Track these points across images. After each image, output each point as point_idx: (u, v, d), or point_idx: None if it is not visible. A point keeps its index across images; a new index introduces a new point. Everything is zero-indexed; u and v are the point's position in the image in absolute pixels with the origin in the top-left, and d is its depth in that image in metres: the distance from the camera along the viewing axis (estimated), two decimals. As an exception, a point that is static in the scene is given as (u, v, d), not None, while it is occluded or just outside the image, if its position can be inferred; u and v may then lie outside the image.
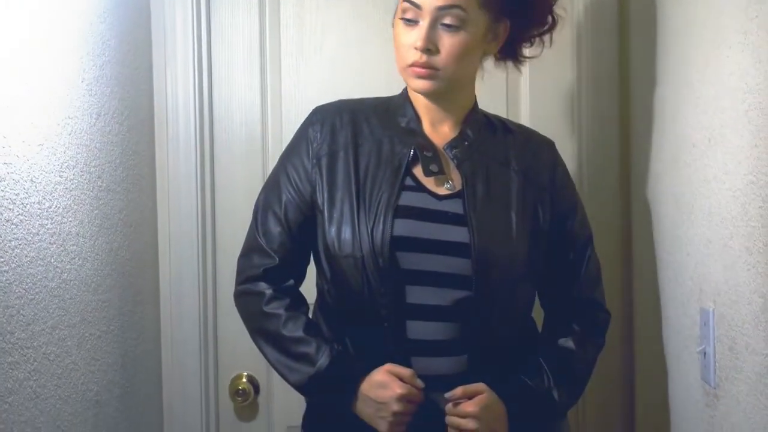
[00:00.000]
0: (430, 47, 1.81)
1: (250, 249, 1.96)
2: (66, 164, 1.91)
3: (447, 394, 1.79)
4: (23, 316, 1.69)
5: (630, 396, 2.49)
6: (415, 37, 1.82)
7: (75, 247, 1.94)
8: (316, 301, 1.98)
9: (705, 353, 1.77)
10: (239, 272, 1.97)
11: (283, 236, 1.92)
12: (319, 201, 1.88)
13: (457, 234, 1.83)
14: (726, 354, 1.66)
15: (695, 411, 1.86)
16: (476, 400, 1.78)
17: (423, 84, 1.84)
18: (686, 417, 1.94)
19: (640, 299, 2.36)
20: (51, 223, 1.82)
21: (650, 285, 2.21)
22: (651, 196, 2.17)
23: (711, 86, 1.73)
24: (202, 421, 2.55)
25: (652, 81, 2.13)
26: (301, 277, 1.97)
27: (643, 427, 2.38)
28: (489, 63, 2.03)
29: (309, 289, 1.99)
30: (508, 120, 2.09)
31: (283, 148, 2.02)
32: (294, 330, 1.86)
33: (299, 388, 1.88)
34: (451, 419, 1.79)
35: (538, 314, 2.04)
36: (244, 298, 1.95)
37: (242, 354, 2.54)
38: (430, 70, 1.82)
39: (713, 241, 1.72)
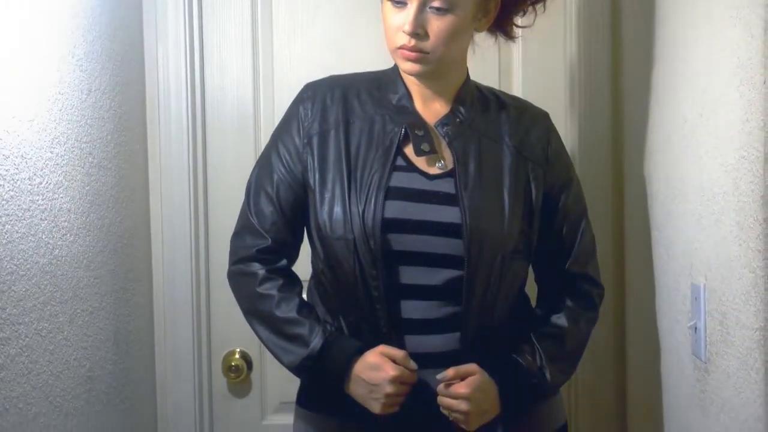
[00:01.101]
0: (418, 31, 1.78)
1: (242, 228, 1.95)
2: (57, 140, 1.90)
3: (439, 376, 1.79)
4: (14, 291, 1.69)
5: (621, 371, 2.50)
6: (403, 20, 1.78)
7: (66, 223, 1.94)
8: (311, 279, 1.97)
9: (696, 328, 1.77)
10: (232, 252, 1.97)
11: (275, 216, 1.91)
12: (311, 181, 1.87)
13: (449, 214, 1.82)
14: (717, 329, 1.67)
15: (686, 385, 1.87)
16: (468, 381, 1.78)
17: (412, 67, 1.82)
18: (677, 391, 1.94)
19: (632, 275, 2.37)
20: (42, 199, 1.82)
21: (642, 260, 2.21)
22: (643, 171, 2.17)
23: (703, 61, 1.73)
24: (195, 397, 2.56)
25: (645, 56, 2.13)
26: (294, 257, 1.97)
27: (635, 402, 2.39)
28: (482, 38, 2.01)
29: (305, 266, 1.99)
30: (501, 92, 2.06)
31: (275, 123, 2.01)
32: (287, 311, 1.86)
33: (293, 369, 1.88)
34: (442, 400, 1.79)
35: (532, 290, 2.04)
36: (238, 279, 1.95)
37: (235, 330, 2.55)
38: (419, 54, 1.80)
39: (704, 217, 1.72)
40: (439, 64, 1.83)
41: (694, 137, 1.78)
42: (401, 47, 1.80)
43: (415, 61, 1.81)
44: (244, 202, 1.96)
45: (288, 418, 2.29)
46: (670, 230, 1.97)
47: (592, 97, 2.51)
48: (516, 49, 2.48)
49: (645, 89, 2.14)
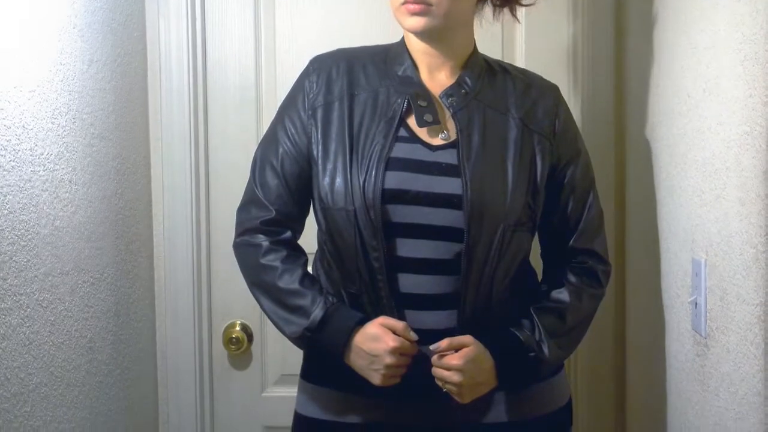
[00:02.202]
0: None
1: (248, 201, 1.95)
2: (58, 111, 1.90)
3: (432, 346, 1.77)
4: (15, 262, 1.69)
5: (621, 345, 2.50)
6: None
7: (67, 194, 1.94)
8: (317, 252, 1.98)
9: (696, 303, 1.77)
10: (238, 224, 1.97)
11: (280, 188, 1.91)
12: (314, 152, 1.87)
13: (451, 185, 1.81)
14: (717, 304, 1.67)
15: (686, 360, 1.87)
16: (461, 353, 1.77)
17: (416, 21, 1.79)
18: (677, 366, 1.95)
19: (633, 250, 2.37)
20: (43, 170, 1.82)
21: (643, 235, 2.21)
22: (645, 146, 2.17)
23: (707, 36, 1.72)
24: (196, 368, 2.57)
25: (649, 30, 2.12)
26: (299, 229, 1.96)
27: (634, 377, 2.40)
28: (487, 13, 2.00)
29: (312, 239, 1.99)
30: (510, 65, 2.04)
31: (277, 95, 2.01)
32: (290, 282, 1.86)
33: (294, 340, 1.88)
34: (436, 371, 1.78)
35: (540, 265, 2.04)
36: (242, 250, 1.95)
37: (236, 302, 2.55)
38: (422, 6, 1.77)
39: (706, 192, 1.72)
40: (444, 21, 1.80)
41: (697, 112, 1.77)
42: (405, 2, 1.79)
43: (419, 14, 1.78)
44: (250, 176, 1.96)
45: (288, 390, 2.31)
46: (671, 205, 1.97)
47: (595, 72, 2.50)
48: (519, 24, 2.47)
49: (648, 64, 2.14)
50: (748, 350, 1.53)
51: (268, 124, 1.98)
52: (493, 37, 2.39)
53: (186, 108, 2.50)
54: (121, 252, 2.27)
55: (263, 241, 1.90)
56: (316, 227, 1.93)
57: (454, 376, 1.76)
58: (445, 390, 1.79)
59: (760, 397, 1.49)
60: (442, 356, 1.78)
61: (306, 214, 1.96)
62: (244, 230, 1.94)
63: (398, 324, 1.78)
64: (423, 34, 1.86)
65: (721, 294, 1.64)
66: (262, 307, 1.91)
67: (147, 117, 2.51)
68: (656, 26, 2.08)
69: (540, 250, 2.04)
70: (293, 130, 1.90)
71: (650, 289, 2.14)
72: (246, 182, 1.98)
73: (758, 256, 1.47)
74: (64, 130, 1.93)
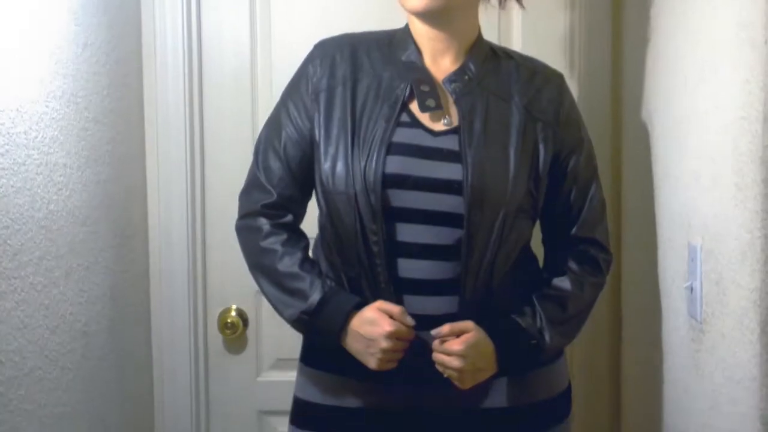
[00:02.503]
0: None
1: (250, 184, 1.96)
2: (52, 94, 1.89)
3: (433, 331, 1.78)
4: (10, 246, 1.69)
5: (617, 331, 2.50)
6: None
7: (62, 178, 1.93)
8: (317, 235, 1.97)
9: (692, 288, 1.77)
10: (240, 207, 1.97)
11: (282, 172, 1.91)
12: (317, 136, 1.87)
13: (452, 171, 1.80)
14: (713, 289, 1.67)
15: (681, 345, 1.87)
16: (462, 338, 1.77)
17: (418, 2, 1.78)
18: (672, 351, 1.95)
19: (629, 234, 2.37)
20: (38, 154, 1.81)
21: (639, 220, 2.21)
22: (642, 131, 2.16)
23: (705, 20, 1.71)
24: (191, 353, 2.56)
25: (646, 15, 2.11)
26: (300, 213, 1.96)
27: (630, 362, 2.40)
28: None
29: (313, 223, 1.99)
30: (515, 52, 2.03)
31: (273, 77, 2.00)
32: (289, 265, 1.86)
33: (292, 323, 1.88)
34: (437, 356, 1.78)
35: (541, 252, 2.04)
36: (244, 234, 1.95)
37: (231, 287, 2.55)
38: None
39: (703, 177, 1.72)
40: (447, 1, 1.80)
41: (695, 97, 1.77)
42: None
43: None
44: (252, 160, 1.96)
45: (284, 375, 2.31)
46: (668, 190, 1.96)
47: (592, 57, 2.49)
48: (515, 20, 2.46)
49: (645, 49, 2.13)
50: (743, 335, 1.53)
51: (264, 106, 1.98)
52: (489, 22, 2.37)
53: (181, 92, 2.49)
54: (116, 236, 2.26)
55: (264, 224, 1.90)
56: (317, 211, 1.93)
57: (455, 362, 1.76)
58: (445, 375, 1.79)
59: (755, 381, 1.49)
60: (444, 341, 1.78)
61: (308, 197, 1.96)
62: (245, 213, 1.95)
63: (395, 308, 1.78)
64: (425, 16, 1.85)
65: (717, 279, 1.64)
66: (261, 289, 1.92)
67: (142, 101, 2.50)
68: (653, 11, 2.07)
69: (541, 237, 2.04)
70: (296, 114, 1.90)
71: (646, 274, 2.14)
72: (243, 166, 1.98)
73: (754, 241, 1.47)
74: (59, 114, 1.92)
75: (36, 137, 1.81)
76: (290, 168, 1.90)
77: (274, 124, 1.95)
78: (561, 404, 1.98)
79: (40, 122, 1.83)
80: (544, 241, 2.04)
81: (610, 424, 2.56)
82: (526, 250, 1.96)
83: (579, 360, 2.55)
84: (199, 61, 2.52)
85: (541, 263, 2.03)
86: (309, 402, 1.95)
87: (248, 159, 1.97)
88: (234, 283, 2.52)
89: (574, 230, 1.96)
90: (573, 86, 2.45)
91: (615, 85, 2.47)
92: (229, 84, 2.52)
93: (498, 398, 1.88)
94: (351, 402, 1.90)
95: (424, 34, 1.89)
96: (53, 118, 1.89)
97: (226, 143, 2.51)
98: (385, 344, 1.76)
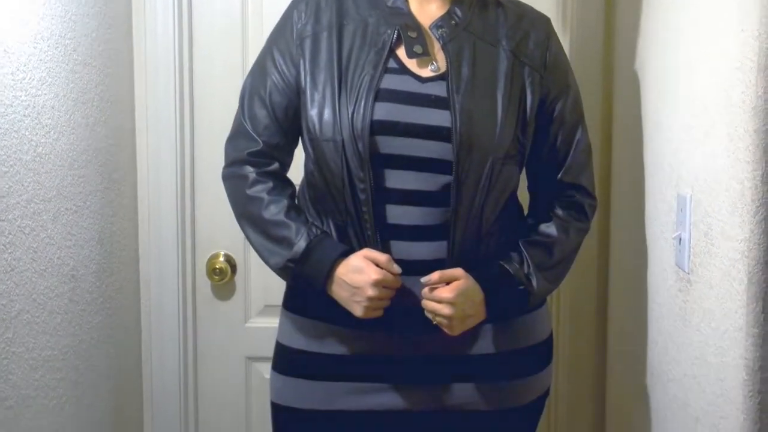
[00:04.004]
0: None
1: (236, 132, 1.94)
2: (40, 35, 1.87)
3: (423, 279, 1.78)
4: (-3, 188, 1.68)
5: (604, 280, 2.52)
6: None
7: (50, 120, 1.92)
8: (302, 182, 1.96)
9: (680, 239, 1.77)
10: (226, 156, 1.96)
11: (268, 120, 1.89)
12: (303, 83, 1.85)
13: (440, 117, 1.80)
14: (701, 240, 1.67)
15: (668, 296, 1.88)
16: (452, 285, 1.78)
17: None
18: (659, 302, 1.96)
19: (618, 184, 2.37)
20: (25, 95, 1.80)
21: (629, 170, 2.21)
22: (634, 80, 2.16)
23: (699, -31, 1.70)
24: (179, 299, 2.57)
25: (640, -36, 2.10)
26: (287, 161, 1.95)
27: (616, 311, 2.41)
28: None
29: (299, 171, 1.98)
30: None
31: (263, 22, 1.98)
32: (275, 213, 1.85)
33: (278, 271, 1.88)
34: (426, 304, 1.79)
35: (526, 200, 2.04)
36: (230, 182, 1.94)
37: (219, 233, 2.55)
38: None
39: (694, 127, 1.71)
40: None
41: (687, 47, 1.76)
42: None
43: None
44: (238, 108, 1.94)
45: (271, 321, 2.31)
46: (658, 141, 1.96)
47: (584, 4, 2.48)
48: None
49: (639, -2, 2.12)
50: (731, 286, 1.53)
51: (255, 50, 1.96)
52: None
53: (171, 33, 2.47)
54: (104, 180, 2.25)
55: (250, 172, 1.89)
56: (303, 158, 1.92)
57: (445, 309, 1.77)
58: (435, 322, 1.80)
59: (741, 332, 1.50)
60: (433, 289, 1.78)
61: (295, 145, 1.95)
62: (231, 161, 1.93)
63: (382, 256, 1.78)
64: None
65: (706, 230, 1.65)
66: (248, 238, 1.91)
67: (131, 44, 2.48)
68: (648, -41, 2.05)
69: (527, 185, 2.04)
70: (281, 61, 1.89)
71: (634, 224, 2.14)
72: (232, 110, 1.96)
73: (744, 192, 1.47)
74: (47, 56, 1.90)
75: (23, 78, 1.79)
76: (276, 116, 1.89)
77: (259, 71, 1.93)
78: (543, 352, 2.00)
79: (28, 63, 1.81)
80: (530, 188, 2.04)
81: (596, 372, 2.58)
82: (513, 197, 1.96)
83: (566, 309, 2.57)
84: (189, 3, 2.49)
85: (525, 211, 2.03)
86: (292, 348, 1.95)
87: (237, 103, 1.96)
88: (223, 228, 2.52)
89: (560, 175, 1.96)
90: (565, 34, 2.45)
91: (607, 32, 2.46)
92: (220, 26, 2.50)
93: (485, 345, 1.89)
94: (335, 349, 1.90)
95: None
96: (41, 60, 1.87)
97: (215, 87, 2.49)
98: (371, 292, 1.76)
